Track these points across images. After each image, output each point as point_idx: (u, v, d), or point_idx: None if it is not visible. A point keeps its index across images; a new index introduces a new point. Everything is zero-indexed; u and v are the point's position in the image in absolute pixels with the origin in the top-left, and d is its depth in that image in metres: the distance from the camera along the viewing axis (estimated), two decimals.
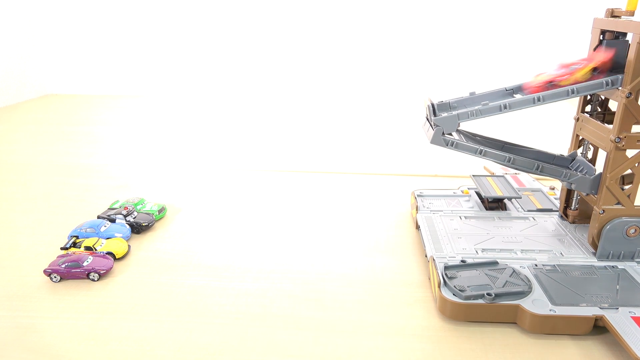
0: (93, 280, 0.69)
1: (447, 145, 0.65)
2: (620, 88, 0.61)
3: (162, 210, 0.89)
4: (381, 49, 2.00)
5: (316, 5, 1.95)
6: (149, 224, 0.84)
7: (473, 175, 0.92)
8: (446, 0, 1.91)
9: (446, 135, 0.65)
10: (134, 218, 0.84)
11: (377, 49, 2.00)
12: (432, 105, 0.66)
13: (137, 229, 0.83)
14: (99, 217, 0.85)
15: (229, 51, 2.04)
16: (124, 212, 0.84)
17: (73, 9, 2.04)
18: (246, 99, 2.00)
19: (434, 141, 0.65)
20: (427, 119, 0.68)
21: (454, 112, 0.65)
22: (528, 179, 0.94)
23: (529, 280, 0.61)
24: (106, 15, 2.03)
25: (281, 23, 1.99)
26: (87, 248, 0.74)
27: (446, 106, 0.68)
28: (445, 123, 0.64)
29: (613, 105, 0.66)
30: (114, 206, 0.89)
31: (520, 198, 0.83)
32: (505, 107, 0.64)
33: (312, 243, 0.80)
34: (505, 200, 0.84)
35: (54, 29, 2.07)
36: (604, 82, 0.62)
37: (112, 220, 0.84)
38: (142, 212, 0.87)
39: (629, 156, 0.63)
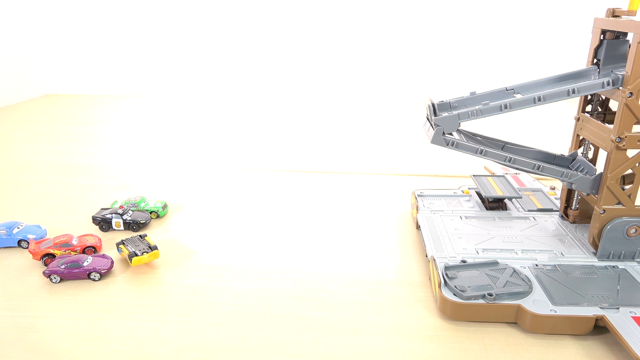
0: (94, 280, 0.69)
1: (447, 145, 0.65)
2: (621, 88, 0.61)
3: (165, 207, 0.90)
4: (381, 49, 2.00)
5: (316, 5, 1.95)
6: (146, 221, 0.84)
7: (473, 175, 0.92)
8: (446, 1, 1.91)
9: (447, 135, 0.65)
10: (130, 217, 0.84)
11: (377, 49, 2.00)
12: (433, 105, 0.66)
13: (135, 227, 0.83)
14: (93, 217, 0.85)
15: (229, 51, 2.04)
16: (120, 211, 0.84)
17: (73, 8, 2.04)
18: (246, 99, 2.00)
19: (434, 141, 0.65)
20: (428, 119, 0.68)
21: (455, 112, 0.65)
22: (528, 179, 0.94)
23: (529, 280, 0.61)
24: (107, 15, 2.04)
25: (281, 23, 1.99)
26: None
27: (447, 106, 0.68)
28: (446, 123, 0.64)
29: (614, 105, 0.66)
30: (114, 206, 0.88)
31: (521, 198, 0.83)
32: (505, 107, 0.64)
33: (312, 243, 0.80)
34: (506, 200, 0.84)
35: (55, 28, 2.07)
36: (604, 82, 0.62)
37: (106, 220, 0.83)
38: (146, 209, 0.88)
39: (630, 156, 0.63)
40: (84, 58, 2.11)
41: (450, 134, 0.66)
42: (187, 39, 2.04)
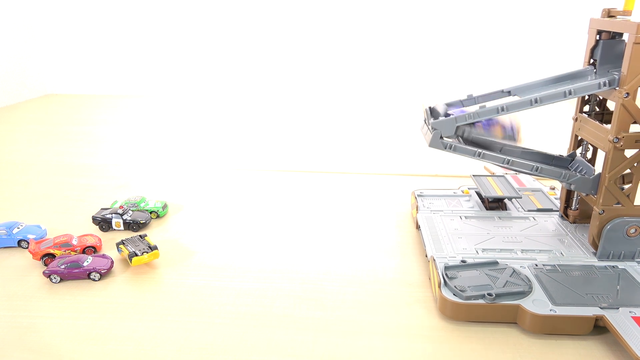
0: (94, 280, 0.69)
1: (445, 149, 0.65)
2: (617, 88, 0.61)
3: (165, 207, 0.90)
4: (381, 50, 2.00)
5: (316, 6, 1.95)
6: (146, 221, 0.84)
7: (473, 175, 0.92)
8: (445, 3, 1.91)
9: (444, 139, 0.65)
10: (130, 217, 0.84)
11: (377, 50, 2.00)
12: (430, 108, 0.66)
13: (135, 227, 0.83)
14: (93, 217, 0.85)
15: (229, 51, 2.04)
16: (120, 211, 0.84)
17: (73, 8, 2.04)
18: (246, 99, 2.00)
19: (432, 144, 0.65)
20: (425, 122, 0.68)
21: (452, 116, 0.65)
22: (528, 179, 0.94)
23: (529, 280, 0.61)
24: (106, 15, 2.04)
25: (281, 23, 1.99)
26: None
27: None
28: (443, 126, 0.64)
29: (612, 104, 0.66)
30: (114, 206, 0.89)
31: (521, 198, 0.83)
32: (502, 110, 0.64)
33: (312, 243, 0.80)
34: (506, 200, 0.84)
35: (54, 28, 2.07)
36: (601, 82, 0.62)
37: (106, 220, 0.83)
38: (146, 209, 0.88)
39: (628, 156, 0.63)
40: (83, 58, 2.11)
41: (448, 137, 0.66)
42: (187, 39, 2.04)
